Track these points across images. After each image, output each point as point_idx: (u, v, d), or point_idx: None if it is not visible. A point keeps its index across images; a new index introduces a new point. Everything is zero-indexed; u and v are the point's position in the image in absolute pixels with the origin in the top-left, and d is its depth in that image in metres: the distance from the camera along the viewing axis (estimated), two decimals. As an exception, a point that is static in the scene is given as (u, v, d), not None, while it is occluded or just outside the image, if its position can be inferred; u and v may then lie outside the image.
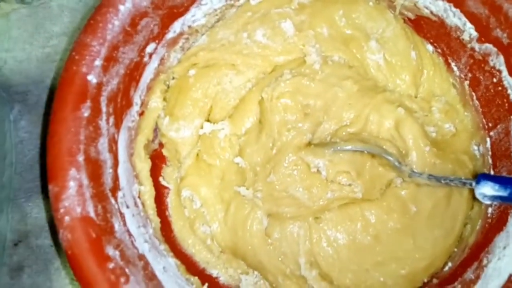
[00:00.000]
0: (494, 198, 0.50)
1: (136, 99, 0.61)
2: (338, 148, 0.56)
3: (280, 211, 0.57)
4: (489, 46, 0.59)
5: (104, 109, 0.54)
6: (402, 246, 0.57)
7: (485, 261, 0.54)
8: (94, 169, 0.51)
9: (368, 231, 0.56)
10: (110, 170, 0.54)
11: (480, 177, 0.50)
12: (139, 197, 0.59)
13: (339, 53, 0.63)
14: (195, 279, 0.57)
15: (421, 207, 0.57)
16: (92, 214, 0.48)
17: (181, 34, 0.65)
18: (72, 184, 0.48)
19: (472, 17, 0.59)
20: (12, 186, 0.69)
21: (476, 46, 0.60)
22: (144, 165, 0.60)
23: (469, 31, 0.60)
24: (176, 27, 0.63)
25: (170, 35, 0.63)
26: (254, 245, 0.57)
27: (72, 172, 0.49)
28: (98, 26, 0.54)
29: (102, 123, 0.54)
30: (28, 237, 0.67)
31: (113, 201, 0.53)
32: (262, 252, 0.56)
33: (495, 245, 0.54)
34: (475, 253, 0.56)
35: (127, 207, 0.55)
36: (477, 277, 0.53)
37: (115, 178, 0.55)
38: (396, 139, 0.58)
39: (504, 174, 0.59)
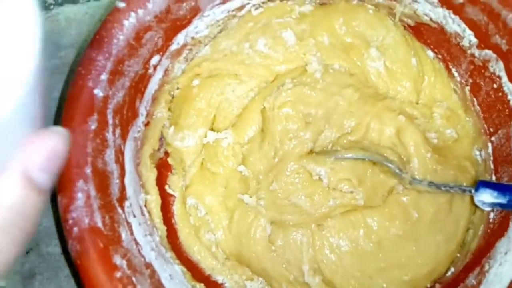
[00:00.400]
0: (493, 205, 0.50)
1: (142, 110, 0.63)
2: (339, 156, 0.57)
3: (283, 219, 0.58)
4: (488, 53, 0.59)
5: (110, 121, 0.56)
6: (405, 252, 0.57)
7: (486, 267, 0.55)
8: (102, 180, 0.53)
9: (371, 238, 0.57)
10: (117, 181, 0.56)
11: (479, 184, 0.51)
12: (145, 206, 0.60)
13: (339, 61, 0.64)
14: (200, 286, 0.58)
15: (423, 213, 0.57)
16: (99, 224, 0.50)
17: (184, 45, 0.66)
18: (80, 195, 0.50)
19: (471, 24, 0.60)
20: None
21: (476, 52, 0.61)
22: (150, 174, 0.62)
23: (469, 37, 0.61)
24: (180, 39, 0.65)
25: (173, 47, 0.65)
26: (258, 252, 0.58)
27: (80, 183, 0.50)
28: (104, 41, 0.55)
29: (109, 135, 0.56)
30: (39, 245, 0.69)
31: (120, 211, 0.54)
32: (265, 259, 0.58)
33: (496, 251, 0.55)
34: (477, 258, 0.57)
35: (134, 216, 0.57)
36: (479, 283, 0.54)
37: (122, 188, 0.56)
38: (397, 147, 0.58)
39: (505, 179, 0.59)
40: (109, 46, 0.55)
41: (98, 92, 0.54)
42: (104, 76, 0.55)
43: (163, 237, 0.60)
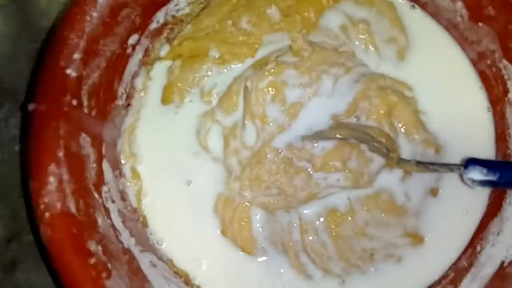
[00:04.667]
0: (483, 183, 0.48)
1: (121, 92, 0.60)
2: (325, 137, 0.54)
3: (267, 202, 0.56)
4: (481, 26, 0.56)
5: (85, 102, 0.54)
6: (396, 234, 0.55)
7: (478, 248, 0.53)
8: (76, 164, 0.51)
9: (358, 221, 0.55)
10: (94, 165, 0.54)
11: (468, 162, 0.49)
12: (125, 191, 0.58)
13: (327, 38, 0.61)
14: (183, 272, 0.56)
15: (413, 195, 0.55)
16: (73, 209, 0.48)
17: (165, 24, 0.64)
18: (51, 179, 0.48)
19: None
20: (4, 183, 0.69)
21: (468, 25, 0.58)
22: (130, 159, 0.60)
23: (460, 10, 0.58)
24: (159, 17, 0.62)
25: (153, 25, 0.62)
26: (244, 238, 0.56)
27: (52, 167, 0.48)
28: (76, 19, 0.53)
29: (84, 117, 0.54)
30: (21, 233, 0.67)
31: (96, 195, 0.52)
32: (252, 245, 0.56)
33: (488, 231, 0.53)
34: (470, 240, 0.55)
35: (113, 201, 0.55)
36: (470, 265, 0.52)
37: (99, 172, 0.54)
38: (384, 126, 0.56)
39: (499, 158, 0.57)
40: (81, 24, 0.53)
41: (71, 72, 0.52)
42: (77, 55, 0.52)
43: (145, 223, 0.58)
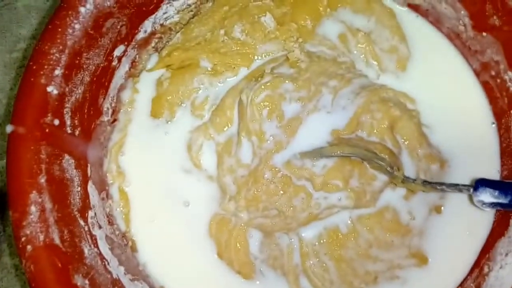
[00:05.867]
0: (493, 205, 0.46)
1: (106, 107, 0.56)
2: (325, 155, 0.51)
3: (264, 224, 0.53)
4: (485, 36, 0.54)
5: (68, 121, 0.50)
6: (400, 255, 0.53)
7: (486, 269, 0.51)
8: (59, 189, 0.47)
9: (362, 243, 0.52)
10: (78, 189, 0.50)
11: (477, 183, 0.46)
12: (113, 214, 0.55)
13: (325, 47, 0.58)
14: (176, 300, 0.53)
15: (417, 214, 0.53)
16: (57, 241, 0.44)
17: (153, 33, 0.60)
18: (33, 209, 0.44)
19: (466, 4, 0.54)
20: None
21: (472, 35, 0.56)
22: (117, 179, 0.56)
23: (464, 19, 0.55)
24: (147, 26, 0.58)
25: (140, 35, 0.58)
26: (240, 261, 0.53)
27: (33, 195, 0.45)
28: (57, 32, 0.49)
29: (67, 137, 0.50)
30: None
31: (82, 222, 0.49)
32: (248, 269, 0.53)
33: (496, 251, 0.50)
34: (476, 259, 0.53)
35: (100, 227, 0.51)
36: (478, 287, 0.50)
37: (85, 196, 0.51)
38: (387, 141, 0.53)
39: (505, 173, 0.55)
40: (63, 37, 0.49)
41: (52, 90, 0.48)
42: (58, 71, 0.48)
43: (134, 248, 0.54)
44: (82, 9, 0.50)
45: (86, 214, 0.50)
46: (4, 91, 0.71)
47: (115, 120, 0.58)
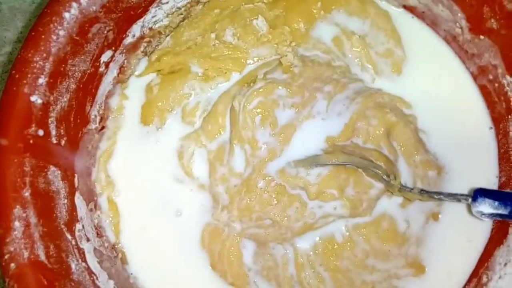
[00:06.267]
0: (493, 215, 0.45)
1: (94, 115, 0.55)
2: (320, 163, 0.50)
3: (258, 235, 0.51)
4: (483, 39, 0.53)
5: (53, 131, 0.48)
6: (397, 265, 0.52)
7: (484, 279, 0.50)
8: (44, 203, 0.45)
9: (358, 253, 0.51)
10: (65, 201, 0.48)
11: (476, 192, 0.45)
12: (102, 225, 0.53)
13: (319, 51, 0.57)
14: (168, 313, 0.52)
15: (414, 222, 0.52)
16: (42, 257, 0.43)
17: (141, 37, 0.58)
18: (17, 224, 0.42)
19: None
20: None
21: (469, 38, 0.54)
22: (106, 189, 0.54)
23: (460, 21, 0.54)
24: (135, 30, 0.57)
25: (128, 40, 0.56)
26: (233, 272, 0.51)
27: (17, 210, 0.43)
28: (40, 39, 0.47)
29: (52, 148, 0.48)
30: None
31: (69, 236, 0.47)
32: (242, 280, 0.51)
33: (495, 261, 0.49)
34: (474, 268, 0.52)
35: (87, 240, 0.49)
36: (477, 297, 0.49)
37: (72, 208, 0.49)
38: (383, 148, 0.52)
39: (504, 179, 0.54)
40: (47, 44, 0.47)
41: (36, 99, 0.46)
42: (42, 80, 0.47)
43: (124, 260, 0.53)
44: (66, 15, 0.48)
45: (73, 227, 0.48)
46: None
47: (103, 127, 0.56)
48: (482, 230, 0.52)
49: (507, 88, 0.52)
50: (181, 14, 0.60)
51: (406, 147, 0.53)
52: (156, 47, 0.60)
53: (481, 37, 0.53)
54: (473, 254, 0.52)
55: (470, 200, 0.46)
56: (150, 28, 0.58)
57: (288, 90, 0.53)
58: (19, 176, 0.44)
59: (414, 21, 0.58)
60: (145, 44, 0.59)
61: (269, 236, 0.51)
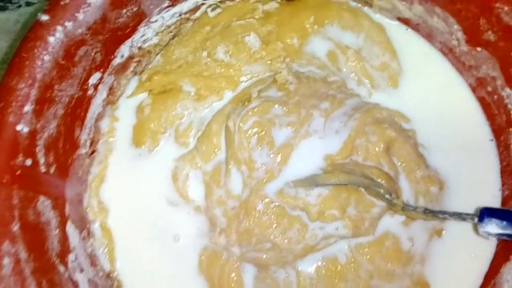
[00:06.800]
0: (500, 235, 0.44)
1: (84, 139, 0.53)
2: (320, 183, 0.49)
3: (258, 258, 0.50)
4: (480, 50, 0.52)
5: (42, 160, 0.46)
6: (402, 285, 0.50)
7: (493, 297, 0.48)
8: (35, 236, 0.44)
9: (362, 274, 0.49)
10: (56, 231, 0.46)
11: (483, 212, 0.44)
12: (95, 254, 0.51)
13: (313, 67, 0.56)
14: None
15: (418, 240, 0.51)
16: (33, 295, 0.41)
17: (131, 57, 0.56)
18: (6, 261, 0.40)
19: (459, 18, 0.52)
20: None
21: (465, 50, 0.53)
22: (99, 215, 0.52)
23: (456, 33, 0.53)
24: (124, 50, 0.55)
25: (117, 60, 0.55)
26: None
27: (6, 246, 0.41)
28: (24, 65, 0.45)
29: (41, 177, 0.46)
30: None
31: (62, 269, 0.45)
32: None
33: (502, 278, 0.48)
34: (481, 286, 0.50)
35: (81, 271, 0.48)
36: (485, 317, 0.48)
37: (63, 239, 0.47)
38: (383, 165, 0.51)
39: (507, 192, 0.52)
40: (31, 70, 0.45)
41: (22, 128, 0.44)
42: (28, 107, 0.45)
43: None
44: (51, 39, 0.46)
45: (66, 259, 0.46)
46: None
47: (93, 151, 0.55)
48: (487, 246, 0.51)
49: (507, 100, 0.51)
50: (171, 32, 0.58)
51: (407, 163, 0.51)
52: (146, 66, 0.59)
53: (478, 49, 0.52)
54: (479, 271, 0.51)
55: (476, 219, 0.45)
56: (139, 48, 0.57)
57: (284, 108, 0.51)
58: (7, 209, 0.42)
59: (409, 33, 0.57)
60: (135, 64, 0.57)
61: (270, 260, 0.50)
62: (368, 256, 0.50)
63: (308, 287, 0.49)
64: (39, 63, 0.45)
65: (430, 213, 0.48)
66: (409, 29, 0.57)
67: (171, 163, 0.54)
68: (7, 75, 0.44)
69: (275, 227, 0.49)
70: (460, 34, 0.53)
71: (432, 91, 0.56)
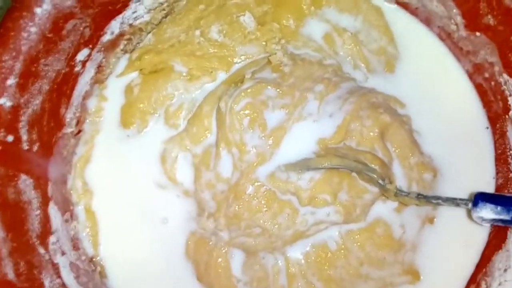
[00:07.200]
0: (494, 221, 0.43)
1: (69, 118, 0.51)
2: (312, 167, 0.47)
3: (247, 244, 0.48)
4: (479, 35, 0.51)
5: (25, 136, 0.44)
6: (393, 272, 0.49)
7: (483, 285, 0.48)
8: (14, 215, 0.42)
9: (352, 261, 0.48)
10: (38, 212, 0.45)
11: (477, 197, 0.43)
12: (78, 237, 0.49)
13: (309, 49, 0.54)
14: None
15: (409, 227, 0.50)
16: (11, 276, 0.39)
17: (121, 35, 0.54)
18: (-18, 240, 0.39)
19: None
20: None
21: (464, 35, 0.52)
22: (83, 197, 0.51)
23: (455, 18, 0.52)
24: (114, 27, 0.53)
25: (107, 37, 0.53)
26: (221, 284, 0.48)
27: (-17, 224, 0.39)
28: (10, 36, 0.43)
29: (23, 154, 0.44)
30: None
31: (42, 250, 0.43)
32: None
33: (494, 266, 0.48)
34: (472, 274, 0.50)
35: (63, 253, 0.46)
36: (476, 305, 0.47)
37: (45, 220, 0.45)
38: (377, 150, 0.49)
39: (501, 180, 0.52)
40: (16, 42, 0.43)
41: (5, 102, 0.42)
42: (11, 81, 0.43)
43: (103, 274, 0.49)
44: (38, 10, 0.44)
45: (47, 240, 0.45)
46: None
47: (79, 131, 0.53)
48: (479, 234, 0.51)
49: (504, 86, 0.50)
50: (164, 10, 0.56)
51: (401, 149, 0.50)
52: (137, 45, 0.57)
53: (477, 34, 0.51)
54: (471, 260, 0.50)
55: (470, 205, 0.44)
56: (130, 25, 0.55)
57: (278, 90, 0.50)
58: (-15, 186, 0.40)
59: (407, 17, 0.56)
60: (125, 42, 0.56)
61: (258, 245, 0.48)
62: (358, 243, 0.49)
63: (297, 274, 0.48)
64: (24, 34, 0.43)
65: (423, 198, 0.47)
66: (408, 13, 0.56)
67: (160, 145, 0.53)
68: (-10, 46, 0.42)
69: (265, 212, 0.48)
70: (459, 19, 0.52)
71: (429, 77, 0.55)
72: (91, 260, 0.49)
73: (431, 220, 0.52)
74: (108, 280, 0.49)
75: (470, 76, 0.54)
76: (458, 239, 0.51)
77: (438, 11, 0.53)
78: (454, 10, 0.52)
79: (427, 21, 0.56)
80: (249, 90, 0.49)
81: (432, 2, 0.53)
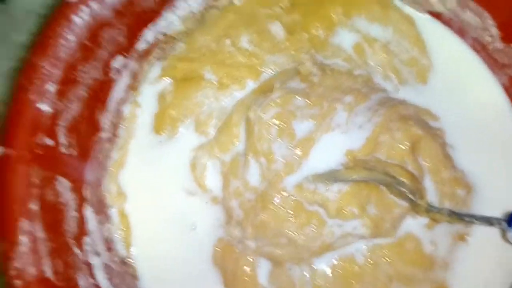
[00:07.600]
0: (530, 241, 0.42)
1: (105, 123, 0.53)
2: (340, 179, 0.47)
3: (274, 254, 0.49)
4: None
5: (63, 141, 0.46)
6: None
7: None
8: (53, 216, 0.44)
9: (381, 276, 0.48)
10: (74, 213, 0.47)
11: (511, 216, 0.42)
12: (112, 239, 0.51)
13: (339, 59, 0.54)
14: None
15: (441, 244, 0.49)
16: (49, 273, 0.41)
17: (154, 43, 0.56)
18: (24, 239, 0.41)
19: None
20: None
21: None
22: (117, 200, 0.52)
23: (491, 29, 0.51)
24: (148, 35, 0.55)
25: (141, 45, 0.54)
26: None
27: (24, 224, 0.41)
28: (49, 43, 0.45)
29: (61, 158, 0.46)
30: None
31: (77, 251, 0.45)
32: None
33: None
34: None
35: (97, 254, 0.48)
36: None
37: (81, 221, 0.47)
38: (407, 164, 0.49)
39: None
40: (56, 50, 0.45)
41: (44, 107, 0.44)
42: (51, 87, 0.45)
43: (135, 276, 0.51)
44: (76, 19, 0.46)
45: (82, 241, 0.46)
46: (6, 104, 0.67)
47: (114, 136, 0.55)
48: (514, 253, 0.49)
49: (542, 101, 0.49)
50: (196, 19, 0.58)
51: (433, 163, 0.49)
52: (170, 53, 0.58)
53: (514, 46, 0.50)
54: (504, 280, 0.48)
55: (504, 224, 0.43)
56: (164, 34, 0.56)
57: (306, 100, 0.50)
58: (26, 187, 0.42)
59: (440, 27, 0.55)
60: (159, 50, 0.57)
61: (285, 256, 0.49)
62: (387, 258, 0.48)
63: (323, 287, 0.48)
64: (63, 42, 0.45)
65: (456, 216, 0.46)
66: (440, 24, 0.55)
67: (190, 152, 0.54)
68: (31, 53, 0.45)
69: (292, 222, 0.48)
70: (494, 30, 0.51)
71: (463, 89, 0.54)
72: (123, 261, 0.51)
73: (463, 238, 0.51)
74: (139, 282, 0.51)
75: (506, 90, 0.53)
76: (491, 258, 0.49)
77: (472, 22, 0.52)
78: (489, 21, 0.51)
79: (461, 32, 0.55)
80: (278, 100, 0.50)
81: (466, 13, 0.52)
